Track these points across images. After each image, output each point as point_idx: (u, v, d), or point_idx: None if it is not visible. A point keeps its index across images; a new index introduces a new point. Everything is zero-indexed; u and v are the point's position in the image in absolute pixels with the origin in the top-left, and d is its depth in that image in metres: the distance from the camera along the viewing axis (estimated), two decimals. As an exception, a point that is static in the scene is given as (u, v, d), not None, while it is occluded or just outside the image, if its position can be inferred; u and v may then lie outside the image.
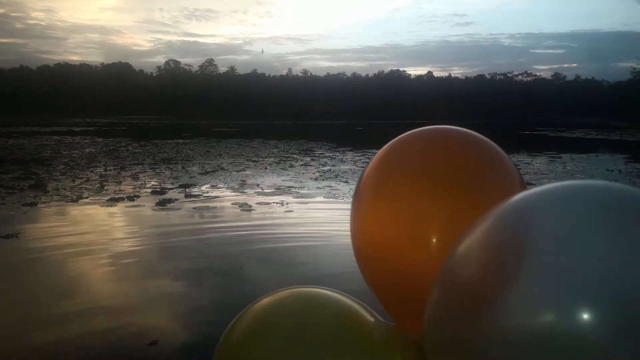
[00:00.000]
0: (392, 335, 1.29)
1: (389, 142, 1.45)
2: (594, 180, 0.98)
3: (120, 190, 8.07)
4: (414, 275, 1.26)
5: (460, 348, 0.89)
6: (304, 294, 1.36)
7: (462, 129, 1.45)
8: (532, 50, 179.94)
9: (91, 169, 10.92)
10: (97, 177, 9.56)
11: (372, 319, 1.32)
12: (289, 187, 8.54)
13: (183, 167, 11.38)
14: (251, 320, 1.26)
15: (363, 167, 11.64)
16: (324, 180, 9.37)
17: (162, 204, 6.96)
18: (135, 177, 9.62)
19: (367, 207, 1.39)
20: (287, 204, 7.05)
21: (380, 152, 1.45)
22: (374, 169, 1.42)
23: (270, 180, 9.40)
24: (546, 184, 0.98)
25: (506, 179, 1.38)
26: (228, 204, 7.07)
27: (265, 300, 1.31)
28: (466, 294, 0.89)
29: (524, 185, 1.39)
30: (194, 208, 6.72)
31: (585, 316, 0.73)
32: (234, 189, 8.33)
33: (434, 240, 1.25)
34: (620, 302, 0.73)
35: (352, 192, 1.46)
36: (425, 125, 1.50)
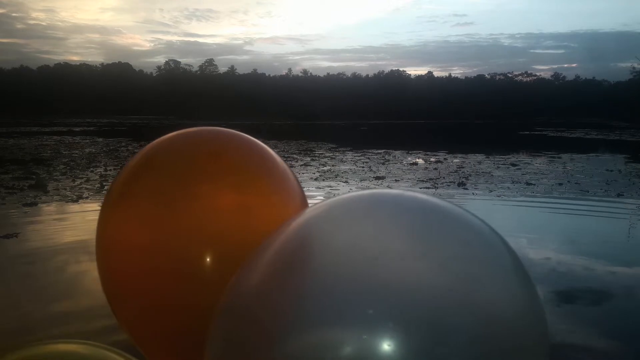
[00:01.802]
0: None
1: (146, 146, 1.19)
2: (385, 190, 0.96)
3: (120, 190, 8.06)
4: (175, 308, 1.04)
5: None
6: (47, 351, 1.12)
7: (228, 129, 1.25)
8: (532, 51, 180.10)
9: (91, 169, 10.92)
10: (98, 177, 9.57)
11: None
12: (288, 187, 8.55)
13: (183, 167, 11.37)
14: None
15: (363, 167, 11.64)
16: (324, 180, 9.38)
17: (162, 204, 6.96)
18: (135, 177, 9.61)
19: (112, 228, 1.14)
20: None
21: (134, 158, 1.20)
22: (124, 177, 1.18)
23: (270, 180, 9.40)
24: (332, 198, 0.94)
25: (278, 182, 1.19)
26: (228, 204, 7.06)
27: None
28: (256, 327, 0.78)
29: (299, 187, 1.25)
30: (194, 208, 6.72)
31: (378, 335, 0.68)
32: (234, 189, 8.33)
33: (207, 262, 1.01)
34: (413, 314, 0.70)
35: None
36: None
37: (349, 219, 0.85)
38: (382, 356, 0.67)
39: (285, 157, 14.15)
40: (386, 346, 0.67)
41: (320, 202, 0.94)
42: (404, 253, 0.76)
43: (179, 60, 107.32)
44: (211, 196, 1.06)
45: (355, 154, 15.23)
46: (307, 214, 0.91)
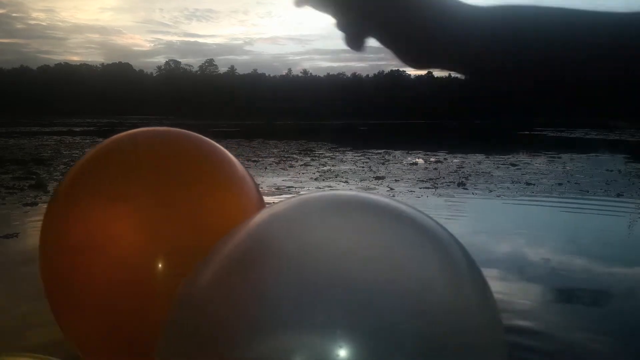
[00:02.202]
0: None
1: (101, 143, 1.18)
2: (341, 191, 0.96)
3: (120, 190, 8.06)
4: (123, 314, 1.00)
5: None
6: None
7: (184, 131, 1.22)
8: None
9: (91, 169, 10.93)
10: (97, 177, 9.57)
11: None
12: (288, 187, 8.55)
13: (183, 167, 11.36)
14: None
15: (363, 167, 11.65)
16: (324, 180, 9.38)
17: (162, 204, 6.96)
18: (135, 177, 9.60)
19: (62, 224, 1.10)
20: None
21: (86, 155, 1.16)
22: (75, 174, 1.13)
23: (270, 180, 9.41)
24: (286, 200, 0.93)
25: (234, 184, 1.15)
26: (228, 204, 7.06)
27: None
28: (211, 334, 0.76)
29: (256, 189, 1.21)
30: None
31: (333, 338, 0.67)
32: (234, 189, 8.31)
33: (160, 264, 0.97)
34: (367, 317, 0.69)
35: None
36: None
37: (301, 220, 0.85)
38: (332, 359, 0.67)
39: (285, 157, 14.15)
40: (336, 349, 0.67)
41: (277, 203, 0.94)
42: (355, 254, 0.76)
43: (179, 60, 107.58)
44: (163, 198, 1.01)
45: (355, 154, 15.24)
46: (263, 214, 0.91)
